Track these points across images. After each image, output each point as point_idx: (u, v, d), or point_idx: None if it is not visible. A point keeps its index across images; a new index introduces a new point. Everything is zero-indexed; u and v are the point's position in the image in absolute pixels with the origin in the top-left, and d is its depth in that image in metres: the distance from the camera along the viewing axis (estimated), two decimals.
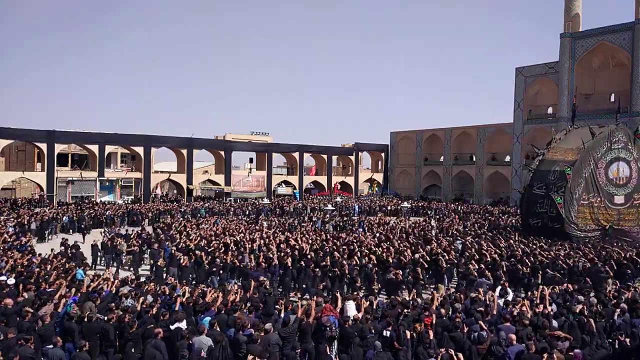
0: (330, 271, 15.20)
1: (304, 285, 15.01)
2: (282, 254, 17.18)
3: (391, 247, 18.81)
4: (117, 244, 19.93)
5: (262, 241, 20.40)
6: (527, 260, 16.62)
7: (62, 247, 19.13)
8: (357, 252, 17.63)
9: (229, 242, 19.97)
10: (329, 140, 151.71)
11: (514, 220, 32.03)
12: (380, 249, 18.57)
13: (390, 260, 16.18)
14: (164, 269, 16.58)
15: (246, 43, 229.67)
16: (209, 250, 18.40)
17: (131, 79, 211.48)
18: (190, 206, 39.57)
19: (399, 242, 20.81)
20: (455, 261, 16.81)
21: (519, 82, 48.39)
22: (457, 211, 39.87)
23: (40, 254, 17.17)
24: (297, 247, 18.81)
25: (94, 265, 19.39)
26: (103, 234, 23.37)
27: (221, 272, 15.92)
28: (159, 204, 40.85)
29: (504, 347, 8.25)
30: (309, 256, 17.01)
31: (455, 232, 25.61)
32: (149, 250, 19.64)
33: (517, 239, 22.63)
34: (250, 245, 19.21)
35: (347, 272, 14.95)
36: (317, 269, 15.39)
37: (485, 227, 28.77)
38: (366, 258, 16.68)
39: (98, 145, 43.68)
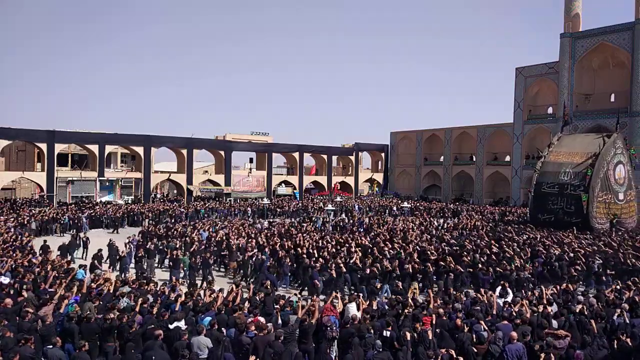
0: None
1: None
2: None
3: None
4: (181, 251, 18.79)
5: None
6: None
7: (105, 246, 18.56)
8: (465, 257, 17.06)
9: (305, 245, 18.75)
10: (329, 140, 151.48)
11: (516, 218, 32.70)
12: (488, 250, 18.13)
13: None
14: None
15: (246, 43, 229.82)
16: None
17: (131, 79, 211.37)
18: (190, 207, 39.51)
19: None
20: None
21: (519, 82, 48.40)
22: (457, 211, 39.73)
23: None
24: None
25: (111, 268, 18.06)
26: (131, 240, 20.63)
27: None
28: (159, 204, 40.82)
29: (500, 346, 8.24)
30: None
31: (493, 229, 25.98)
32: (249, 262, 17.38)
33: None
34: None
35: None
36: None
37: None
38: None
39: (98, 145, 43.67)
